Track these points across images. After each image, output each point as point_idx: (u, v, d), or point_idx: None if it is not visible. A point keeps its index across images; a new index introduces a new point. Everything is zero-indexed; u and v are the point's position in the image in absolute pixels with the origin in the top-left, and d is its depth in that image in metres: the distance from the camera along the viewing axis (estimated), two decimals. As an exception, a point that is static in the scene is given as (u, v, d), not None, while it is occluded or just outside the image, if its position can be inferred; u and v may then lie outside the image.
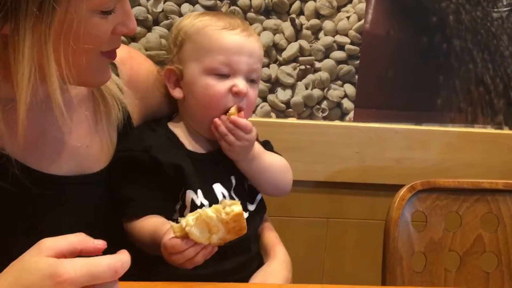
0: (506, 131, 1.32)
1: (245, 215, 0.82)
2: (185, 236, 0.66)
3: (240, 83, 0.79)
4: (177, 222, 0.67)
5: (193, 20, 0.82)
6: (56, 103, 0.63)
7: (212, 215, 0.65)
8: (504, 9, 1.26)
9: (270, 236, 0.88)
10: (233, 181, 0.83)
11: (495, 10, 1.26)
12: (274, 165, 0.87)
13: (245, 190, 0.85)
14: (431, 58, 1.26)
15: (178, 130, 0.84)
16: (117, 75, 0.81)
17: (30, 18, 0.58)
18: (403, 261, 1.03)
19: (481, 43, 1.27)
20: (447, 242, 1.07)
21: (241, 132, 0.79)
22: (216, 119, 0.79)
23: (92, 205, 0.76)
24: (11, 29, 0.59)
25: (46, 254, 0.52)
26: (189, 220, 0.65)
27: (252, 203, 0.85)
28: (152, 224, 0.74)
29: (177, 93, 0.83)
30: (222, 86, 0.79)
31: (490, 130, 1.32)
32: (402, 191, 1.04)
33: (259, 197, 0.87)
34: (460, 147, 1.30)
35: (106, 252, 0.72)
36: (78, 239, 0.54)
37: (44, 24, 0.58)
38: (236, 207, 0.66)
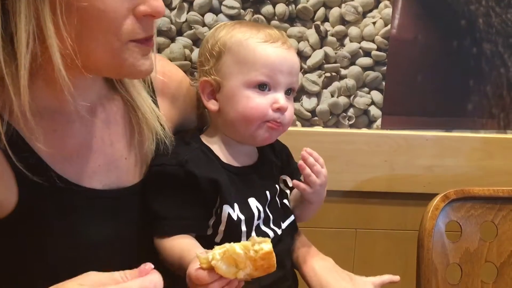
0: (540, 136, 1.28)
1: (278, 231, 0.80)
2: (211, 268, 0.63)
3: (281, 99, 0.78)
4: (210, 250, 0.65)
5: (231, 31, 0.80)
6: (57, 68, 0.61)
7: (240, 252, 0.62)
8: (536, 10, 1.22)
9: (305, 247, 0.88)
10: (268, 196, 0.81)
11: (527, 11, 1.22)
12: None
13: (278, 207, 0.83)
14: (460, 62, 1.23)
15: (212, 143, 0.82)
16: (152, 87, 0.81)
17: None
18: (438, 273, 0.99)
19: (512, 46, 1.23)
20: (483, 253, 1.03)
21: (318, 166, 0.80)
22: (301, 162, 0.80)
23: (128, 218, 0.76)
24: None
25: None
26: (215, 254, 0.62)
27: (284, 221, 0.83)
28: (181, 245, 0.72)
29: (212, 105, 0.81)
30: (264, 100, 0.78)
31: (523, 135, 1.27)
32: (436, 200, 1.00)
33: (292, 217, 0.85)
34: (492, 154, 1.26)
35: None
36: (122, 277, 0.54)
37: None
38: (266, 245, 0.63)
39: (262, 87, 0.78)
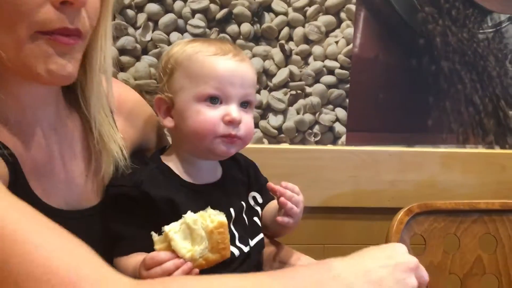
0: (497, 150, 1.33)
1: (245, 249, 0.80)
2: (166, 249, 0.65)
3: (233, 111, 0.77)
4: (160, 235, 0.66)
5: (184, 47, 0.80)
6: None
7: (197, 218, 0.65)
8: (490, 30, 1.28)
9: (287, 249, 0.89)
10: (233, 214, 0.81)
11: (481, 31, 1.28)
12: None
13: (246, 224, 0.83)
14: (420, 80, 1.27)
15: (172, 161, 0.81)
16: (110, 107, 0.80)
17: None
18: (404, 286, 1.01)
19: (468, 64, 1.28)
20: (447, 265, 1.06)
21: (296, 196, 0.81)
22: (282, 199, 0.80)
23: (90, 240, 0.74)
24: None
25: None
26: (173, 225, 0.64)
27: (252, 239, 0.83)
28: (136, 260, 0.71)
29: (168, 122, 0.80)
30: (214, 113, 0.76)
31: (481, 150, 1.32)
32: (400, 214, 1.03)
33: (260, 235, 0.85)
34: (453, 168, 1.30)
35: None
36: None
37: None
38: (221, 216, 0.66)
39: (213, 100, 0.77)
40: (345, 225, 1.29)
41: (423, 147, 1.30)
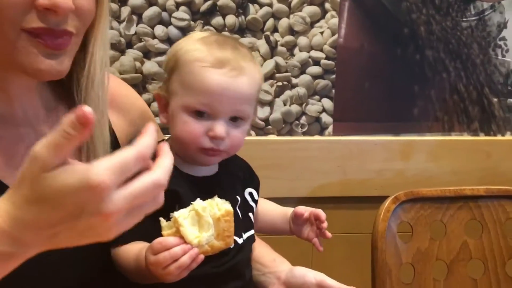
0: (482, 137, 1.34)
1: (239, 241, 0.81)
2: (174, 235, 0.66)
3: (218, 128, 0.76)
4: (168, 220, 0.66)
5: (190, 46, 0.78)
6: None
7: (205, 205, 0.66)
8: (473, 18, 1.29)
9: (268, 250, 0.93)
10: None
11: (464, 19, 1.29)
12: None
13: (240, 218, 0.84)
14: (405, 69, 1.28)
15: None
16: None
17: None
18: (392, 273, 1.02)
19: (452, 52, 1.29)
20: (434, 251, 1.07)
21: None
22: (327, 234, 0.91)
23: None
24: None
25: None
26: (182, 212, 0.66)
27: (244, 232, 0.84)
28: (138, 246, 0.71)
29: (162, 118, 0.80)
30: (198, 126, 0.76)
31: (467, 137, 1.33)
32: (387, 202, 1.04)
33: (252, 231, 0.86)
34: (439, 156, 1.31)
35: (102, 281, 0.70)
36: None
37: None
38: (227, 205, 0.67)
39: (199, 113, 0.76)
40: (333, 214, 1.29)
41: (409, 136, 1.31)
